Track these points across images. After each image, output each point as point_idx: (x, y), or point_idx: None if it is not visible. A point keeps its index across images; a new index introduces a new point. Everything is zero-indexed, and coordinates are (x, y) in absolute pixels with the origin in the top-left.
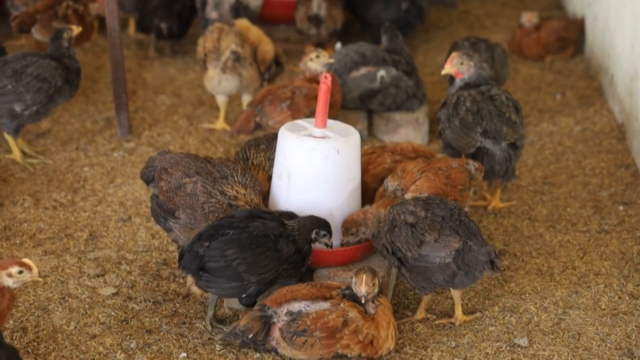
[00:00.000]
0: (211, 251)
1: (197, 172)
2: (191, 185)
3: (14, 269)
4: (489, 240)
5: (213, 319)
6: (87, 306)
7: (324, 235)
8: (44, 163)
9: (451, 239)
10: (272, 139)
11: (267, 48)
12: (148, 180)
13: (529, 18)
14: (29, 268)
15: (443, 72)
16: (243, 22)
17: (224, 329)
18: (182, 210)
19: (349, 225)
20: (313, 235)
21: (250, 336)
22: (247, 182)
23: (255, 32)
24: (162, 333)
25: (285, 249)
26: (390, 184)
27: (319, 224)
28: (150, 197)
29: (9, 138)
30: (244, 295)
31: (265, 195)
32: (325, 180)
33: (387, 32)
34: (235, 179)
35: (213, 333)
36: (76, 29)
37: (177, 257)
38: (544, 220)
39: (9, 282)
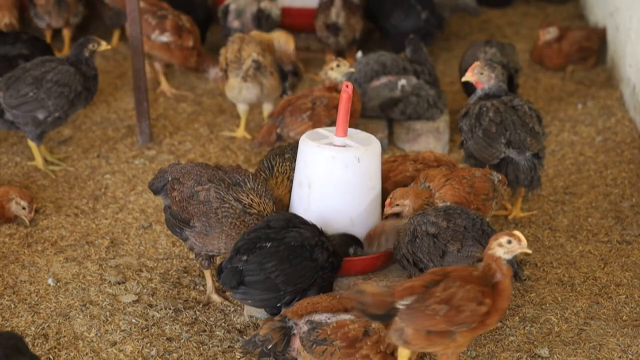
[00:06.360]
0: (250, 265)
1: (209, 179)
2: (204, 192)
3: (504, 239)
4: None
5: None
6: (107, 313)
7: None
8: (65, 170)
9: (474, 249)
10: (297, 148)
11: (289, 45)
12: (157, 190)
13: (542, 34)
14: (519, 239)
15: (463, 79)
16: (257, 33)
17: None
18: (197, 219)
19: (368, 242)
20: (351, 251)
21: (270, 346)
22: (259, 188)
23: (267, 37)
24: (183, 341)
25: (320, 257)
26: None
27: (356, 240)
28: (164, 208)
29: (32, 145)
30: (278, 305)
31: (287, 204)
32: (346, 188)
33: (411, 43)
34: (248, 185)
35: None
36: (104, 46)
37: (197, 264)
38: (565, 230)
39: (500, 253)
